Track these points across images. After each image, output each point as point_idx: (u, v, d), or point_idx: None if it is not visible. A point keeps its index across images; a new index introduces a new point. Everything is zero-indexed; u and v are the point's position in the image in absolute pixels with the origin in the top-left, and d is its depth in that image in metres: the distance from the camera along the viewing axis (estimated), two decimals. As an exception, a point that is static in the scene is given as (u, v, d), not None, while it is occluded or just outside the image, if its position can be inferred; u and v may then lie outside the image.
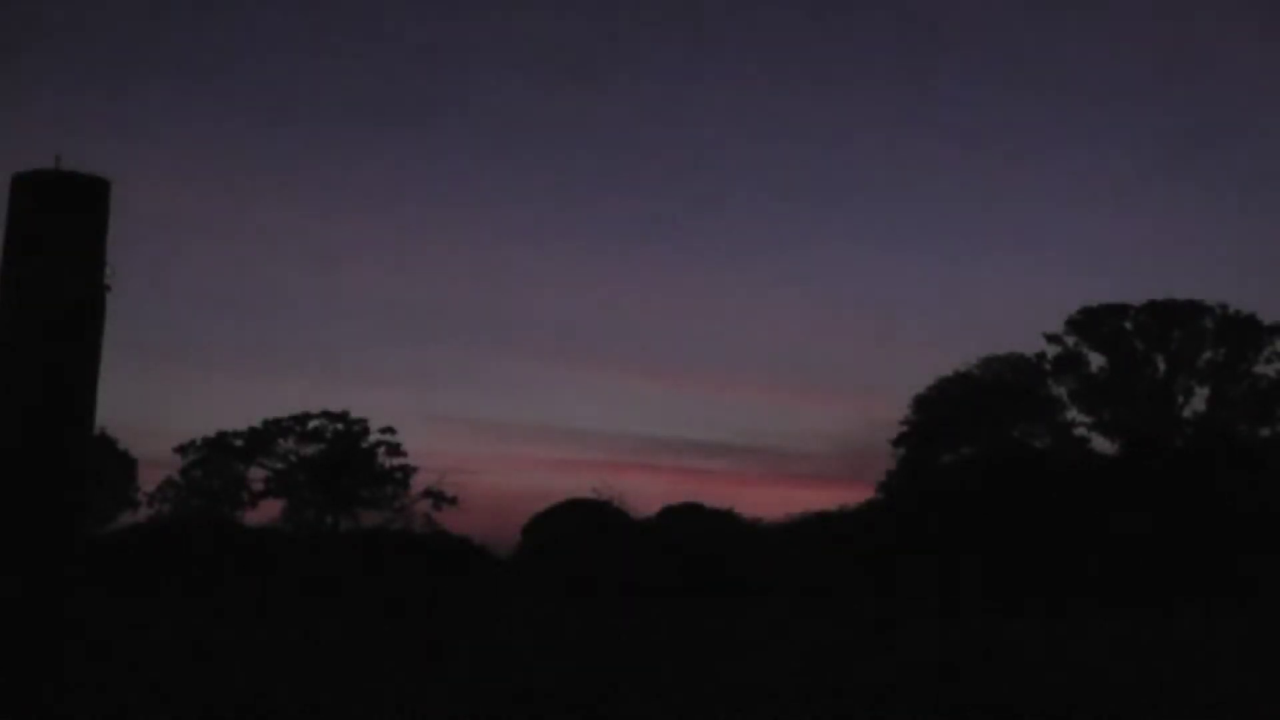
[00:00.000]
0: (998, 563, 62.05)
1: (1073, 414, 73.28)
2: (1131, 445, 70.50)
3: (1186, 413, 72.11)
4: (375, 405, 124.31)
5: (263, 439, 67.46)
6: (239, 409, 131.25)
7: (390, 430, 68.31)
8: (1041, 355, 74.02)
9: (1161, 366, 72.13)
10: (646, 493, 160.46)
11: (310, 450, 67.79)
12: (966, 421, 72.64)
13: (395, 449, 68.32)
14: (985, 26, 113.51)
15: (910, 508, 67.93)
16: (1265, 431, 71.18)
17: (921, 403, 74.48)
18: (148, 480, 70.76)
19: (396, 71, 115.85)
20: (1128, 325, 72.47)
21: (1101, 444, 72.80)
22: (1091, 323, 72.98)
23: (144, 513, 68.76)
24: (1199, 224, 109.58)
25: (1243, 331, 71.21)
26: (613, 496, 70.17)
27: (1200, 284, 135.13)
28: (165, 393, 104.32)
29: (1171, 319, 71.75)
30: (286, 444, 67.79)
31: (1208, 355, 71.71)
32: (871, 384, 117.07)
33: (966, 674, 19.81)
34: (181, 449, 67.64)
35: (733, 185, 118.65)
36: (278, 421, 67.68)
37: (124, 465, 69.63)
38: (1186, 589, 56.72)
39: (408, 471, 68.29)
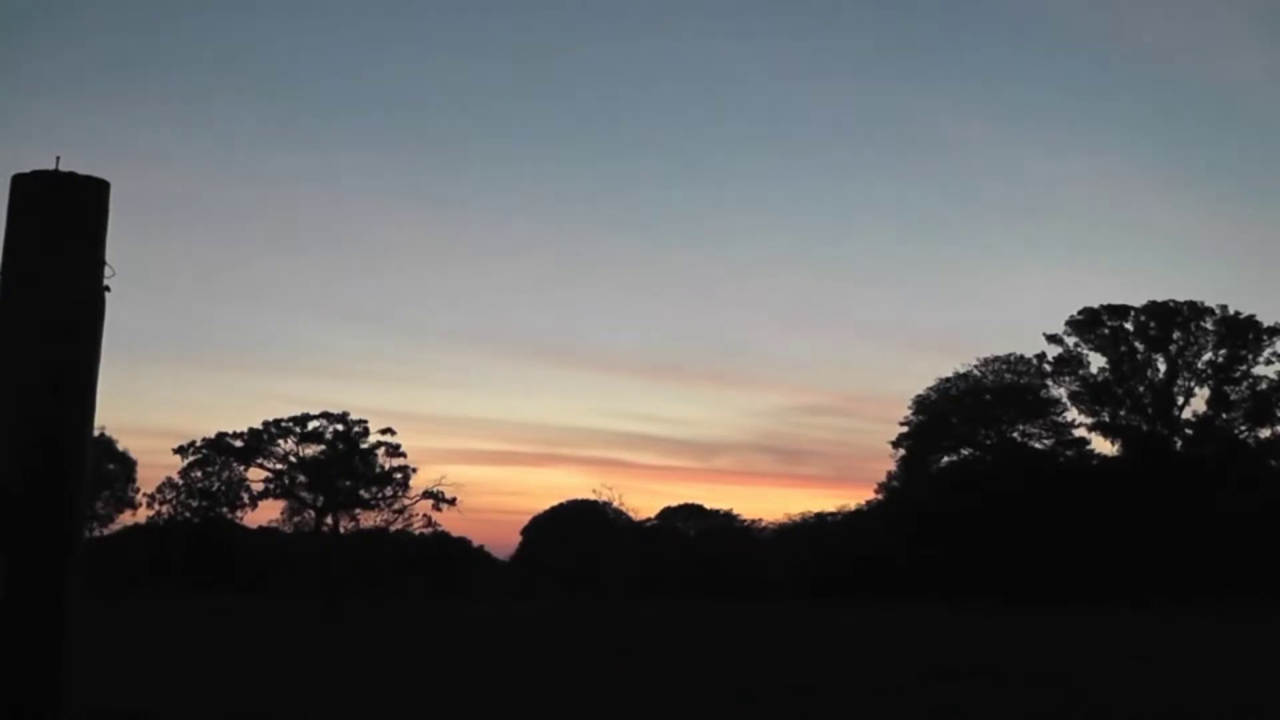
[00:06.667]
0: (998, 562, 62.08)
1: (1073, 414, 73.43)
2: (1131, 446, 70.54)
3: (1186, 413, 72.21)
4: (349, 403, 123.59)
5: (262, 439, 67.37)
6: (239, 409, 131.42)
7: (390, 430, 68.20)
8: (1041, 355, 74.16)
9: (1161, 367, 72.12)
10: (560, 485, 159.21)
11: (310, 450, 67.68)
12: (966, 422, 72.66)
13: (395, 449, 68.11)
14: (983, 23, 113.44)
15: (910, 508, 67.94)
16: (1265, 432, 71.25)
17: (922, 403, 74.51)
18: (148, 480, 70.85)
19: (387, 70, 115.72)
20: (1128, 325, 72.47)
21: (1101, 444, 72.95)
22: (1091, 323, 72.97)
23: (144, 513, 68.86)
24: (1199, 224, 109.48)
25: (1243, 332, 71.21)
26: (613, 497, 70.38)
27: (1200, 284, 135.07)
28: (165, 393, 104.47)
29: (1171, 319, 71.73)
30: (286, 444, 67.69)
31: (1208, 356, 71.74)
32: (809, 377, 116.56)
33: (967, 672, 19.82)
34: (181, 449, 67.66)
35: (686, 171, 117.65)
36: (278, 422, 67.62)
37: (124, 465, 69.67)
38: (1188, 587, 56.73)
39: (407, 472, 68.17)
